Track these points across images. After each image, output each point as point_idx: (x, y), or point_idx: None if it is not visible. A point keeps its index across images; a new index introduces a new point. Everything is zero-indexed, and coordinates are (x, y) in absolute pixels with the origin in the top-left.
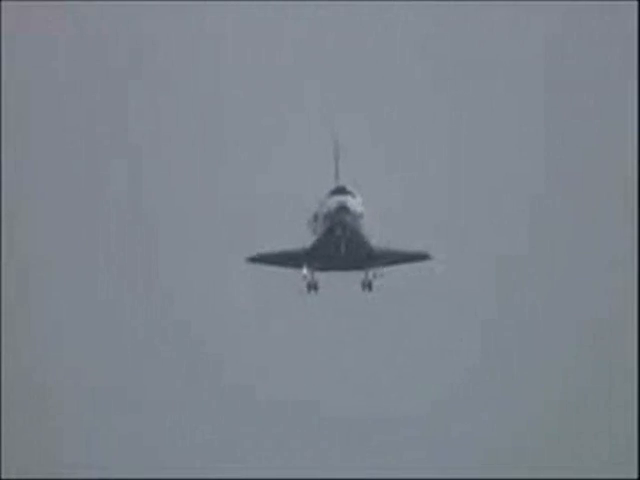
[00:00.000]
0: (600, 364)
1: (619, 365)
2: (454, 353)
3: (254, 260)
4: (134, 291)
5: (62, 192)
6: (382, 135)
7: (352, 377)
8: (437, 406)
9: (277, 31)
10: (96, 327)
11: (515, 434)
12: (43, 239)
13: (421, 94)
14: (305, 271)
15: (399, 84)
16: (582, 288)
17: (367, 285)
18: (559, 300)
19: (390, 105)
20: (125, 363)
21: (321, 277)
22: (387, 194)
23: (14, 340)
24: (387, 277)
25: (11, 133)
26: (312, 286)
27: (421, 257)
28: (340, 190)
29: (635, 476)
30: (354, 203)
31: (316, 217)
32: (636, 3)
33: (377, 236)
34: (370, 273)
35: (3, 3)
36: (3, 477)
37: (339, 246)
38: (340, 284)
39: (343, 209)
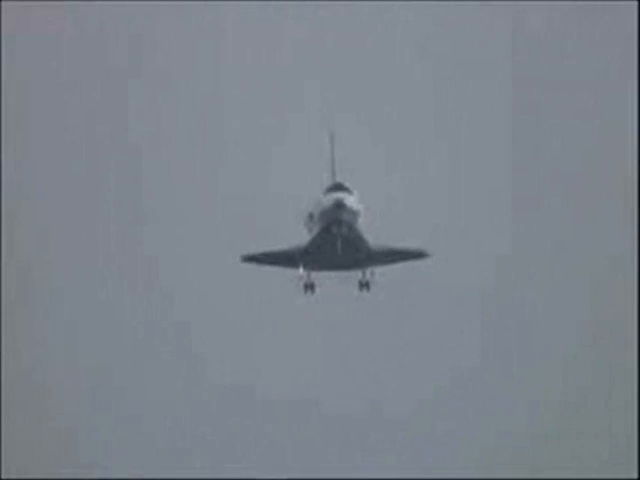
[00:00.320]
0: (600, 364)
1: (619, 365)
2: (453, 353)
3: (249, 259)
4: (133, 290)
5: (62, 192)
6: (379, 134)
7: (351, 377)
8: (437, 406)
9: (277, 31)
10: (96, 327)
11: (515, 434)
12: (43, 239)
13: (420, 94)
14: (301, 271)
15: (398, 84)
16: (582, 288)
17: (364, 285)
18: (559, 300)
19: (388, 104)
20: (125, 363)
21: (317, 277)
22: (383, 193)
23: (14, 340)
24: (386, 276)
25: (11, 133)
26: (309, 286)
27: (419, 255)
28: (337, 187)
29: (635, 476)
30: (351, 200)
31: (312, 216)
32: (636, 3)
33: (373, 234)
34: (368, 272)
35: (3, 3)
36: (3, 477)
37: (336, 244)
38: (337, 284)
39: (340, 206)
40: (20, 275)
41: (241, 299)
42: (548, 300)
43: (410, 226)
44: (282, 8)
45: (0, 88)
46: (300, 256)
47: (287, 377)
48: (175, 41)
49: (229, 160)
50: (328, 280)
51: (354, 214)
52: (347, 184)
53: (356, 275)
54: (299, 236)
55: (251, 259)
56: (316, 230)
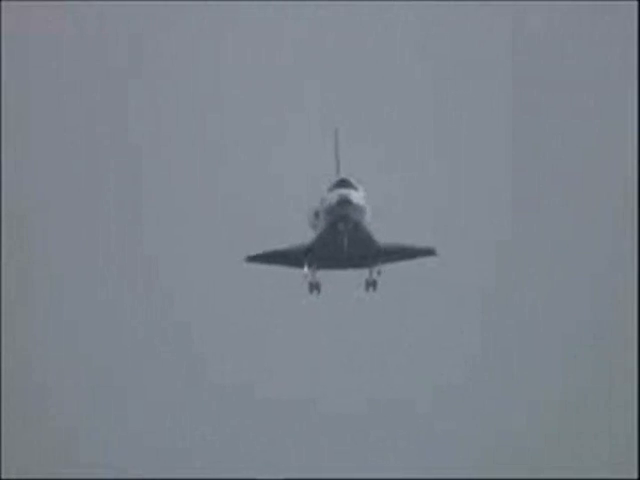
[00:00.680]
0: (600, 364)
1: (619, 365)
2: (455, 353)
3: (253, 259)
4: (133, 290)
5: (62, 192)
6: (379, 134)
7: (350, 376)
8: (437, 406)
9: (277, 31)
10: (96, 327)
11: (515, 434)
12: (43, 239)
13: (420, 93)
14: (306, 270)
15: (398, 84)
16: (582, 288)
17: (371, 284)
18: (559, 300)
19: (388, 104)
20: (125, 363)
21: (323, 276)
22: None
23: (14, 340)
24: (385, 275)
25: (11, 133)
26: (314, 286)
27: (427, 252)
28: (342, 183)
29: (635, 476)
30: (357, 196)
31: (317, 214)
32: (636, 3)
33: (379, 232)
34: (375, 271)
35: (3, 3)
36: (3, 477)
37: (342, 241)
38: (343, 283)
39: (346, 202)
40: (20, 275)
41: (241, 299)
42: (548, 300)
43: (410, 225)
44: (282, 8)
45: (0, 88)
46: (305, 254)
47: (287, 377)
48: (175, 41)
49: (229, 160)
50: (333, 279)
51: (360, 210)
52: (352, 180)
53: (362, 274)
54: (299, 236)
55: (255, 259)
56: (321, 227)
